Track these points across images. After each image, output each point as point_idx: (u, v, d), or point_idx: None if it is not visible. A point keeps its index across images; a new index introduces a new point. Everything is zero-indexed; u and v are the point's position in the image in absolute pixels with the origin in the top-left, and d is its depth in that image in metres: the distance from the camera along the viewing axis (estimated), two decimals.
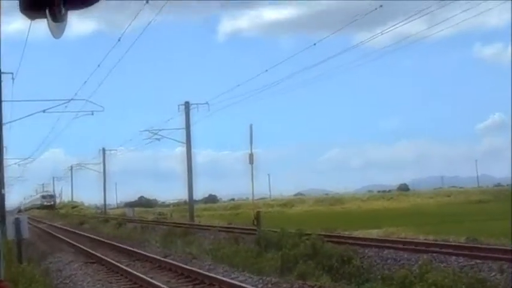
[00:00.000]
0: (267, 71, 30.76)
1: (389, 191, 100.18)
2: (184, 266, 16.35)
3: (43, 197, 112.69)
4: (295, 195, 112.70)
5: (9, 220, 19.71)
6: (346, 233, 25.10)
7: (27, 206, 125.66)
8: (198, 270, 15.28)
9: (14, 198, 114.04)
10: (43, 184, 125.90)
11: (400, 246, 18.28)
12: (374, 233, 25.13)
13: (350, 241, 20.24)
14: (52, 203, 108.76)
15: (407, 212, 46.11)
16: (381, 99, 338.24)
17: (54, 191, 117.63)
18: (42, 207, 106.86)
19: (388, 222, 31.92)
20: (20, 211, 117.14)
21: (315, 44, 25.80)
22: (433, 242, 19.00)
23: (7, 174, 41.26)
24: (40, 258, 22.12)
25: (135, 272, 15.70)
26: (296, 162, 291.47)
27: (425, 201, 73.33)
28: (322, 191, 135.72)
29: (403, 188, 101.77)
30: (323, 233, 21.25)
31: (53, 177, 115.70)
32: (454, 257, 15.24)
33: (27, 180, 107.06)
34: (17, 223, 19.25)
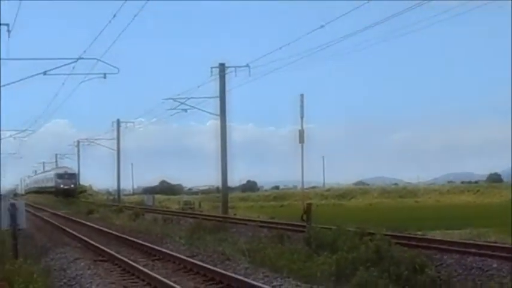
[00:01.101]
0: (323, 26, 30.46)
1: (477, 182, 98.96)
2: (215, 269, 16.53)
3: (59, 175, 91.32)
4: (356, 184, 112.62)
5: (4, 206, 20.18)
6: (420, 233, 24.96)
7: (30, 188, 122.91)
8: (232, 275, 15.44)
9: (6, 180, 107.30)
10: (43, 162, 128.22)
11: (489, 252, 18.12)
12: (455, 235, 24.94)
13: (424, 244, 20.17)
14: (72, 185, 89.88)
15: (499, 209, 45.44)
16: (468, 64, 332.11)
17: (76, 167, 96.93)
18: (57, 192, 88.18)
19: (474, 221, 31.61)
20: (15, 195, 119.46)
21: None
22: None
23: None
24: (40, 253, 22.69)
25: (154, 275, 15.94)
26: (358, 143, 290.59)
27: None
28: (390, 179, 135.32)
29: (495, 179, 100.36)
30: (390, 232, 21.22)
31: (56, 155, 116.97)
32: None
33: (24, 158, 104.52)
34: (13, 210, 19.75)
